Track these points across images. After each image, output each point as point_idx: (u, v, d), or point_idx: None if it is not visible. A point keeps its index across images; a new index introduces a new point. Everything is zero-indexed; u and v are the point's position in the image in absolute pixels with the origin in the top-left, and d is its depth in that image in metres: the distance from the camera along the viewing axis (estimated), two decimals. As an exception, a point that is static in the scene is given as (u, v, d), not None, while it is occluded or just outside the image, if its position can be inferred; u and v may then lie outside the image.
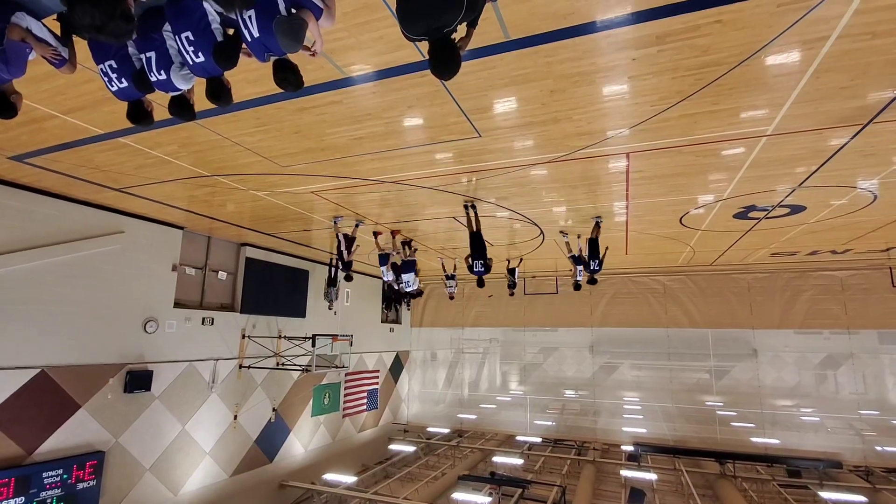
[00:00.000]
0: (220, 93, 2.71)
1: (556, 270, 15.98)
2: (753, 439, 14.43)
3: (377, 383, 17.08)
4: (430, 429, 17.86)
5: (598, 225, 9.07)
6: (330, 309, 14.06)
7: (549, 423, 16.99)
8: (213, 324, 10.72)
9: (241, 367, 11.31)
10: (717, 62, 4.03)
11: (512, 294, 13.88)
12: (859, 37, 3.66)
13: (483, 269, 8.48)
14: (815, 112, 4.88)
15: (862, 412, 13.89)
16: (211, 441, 10.48)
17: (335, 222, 9.44)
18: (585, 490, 11.57)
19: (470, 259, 8.52)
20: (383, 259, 10.29)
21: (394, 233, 10.21)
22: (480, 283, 9.75)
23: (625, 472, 12.53)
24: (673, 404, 15.60)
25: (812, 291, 14.28)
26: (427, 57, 2.38)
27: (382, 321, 18.07)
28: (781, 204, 8.05)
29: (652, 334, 16.00)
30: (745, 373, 15.06)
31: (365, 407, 16.18)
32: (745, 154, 6.01)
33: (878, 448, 13.47)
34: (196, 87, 2.85)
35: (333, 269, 13.98)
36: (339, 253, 9.66)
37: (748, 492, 11.99)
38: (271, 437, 12.16)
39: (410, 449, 15.39)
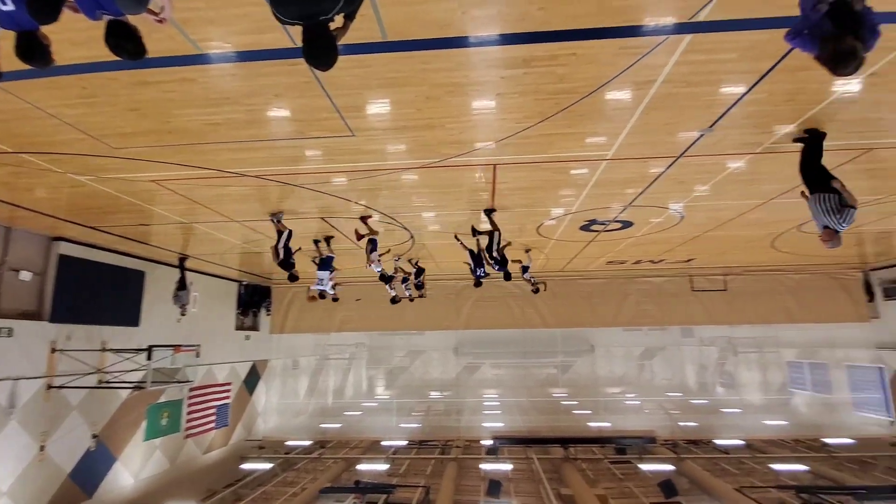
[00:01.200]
0: (33, 51, 2.14)
1: (426, 274, 16.31)
2: (590, 424, 16.50)
3: (228, 397, 15.50)
4: (289, 442, 16.77)
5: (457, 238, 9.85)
6: (183, 315, 12.37)
7: (415, 425, 17.25)
8: (10, 335, 8.62)
9: (50, 387, 9.28)
10: (571, 90, 4.50)
11: (421, 295, 13.51)
12: (678, 83, 4.40)
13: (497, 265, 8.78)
14: (644, 143, 5.75)
15: (669, 394, 16.88)
16: (8, 478, 8.40)
17: (278, 219, 8.32)
18: (448, 487, 11.96)
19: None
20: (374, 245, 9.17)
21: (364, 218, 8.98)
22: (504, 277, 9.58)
23: (484, 466, 13.28)
24: (527, 398, 17.06)
25: (636, 295, 16.86)
26: (300, 44, 2.20)
27: (237, 328, 16.49)
28: (616, 219, 9.35)
29: (510, 335, 17.30)
30: (584, 366, 17.19)
31: (213, 425, 14.55)
32: (590, 174, 6.83)
33: (682, 424, 16.48)
34: (2, 42, 2.23)
35: (183, 270, 12.32)
36: (277, 252, 8.36)
37: (586, 471, 13.60)
38: (91, 469, 10.19)
39: (266, 466, 14.26)
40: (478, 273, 10.01)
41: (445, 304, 17.32)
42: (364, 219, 8.89)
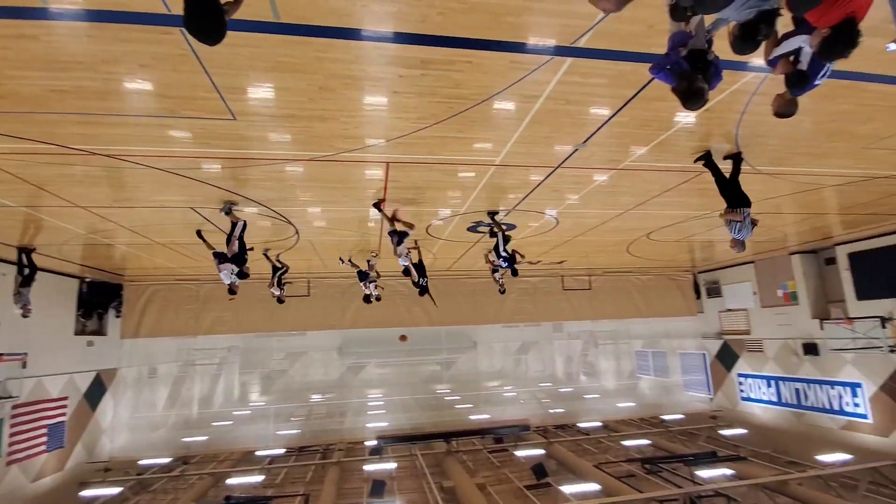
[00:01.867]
0: None
1: (310, 272, 15.62)
2: (472, 417, 17.27)
3: (64, 414, 13.18)
4: (142, 461, 14.79)
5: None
6: (25, 316, 10.11)
7: (294, 431, 16.40)
8: None
9: None
10: (465, 96, 4.66)
11: (377, 297, 12.55)
12: (559, 101, 4.82)
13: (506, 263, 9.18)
14: (528, 153, 6.18)
15: (541, 385, 18.41)
16: None
17: (229, 210, 7.58)
18: (329, 493, 11.58)
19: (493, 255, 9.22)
20: (400, 237, 8.23)
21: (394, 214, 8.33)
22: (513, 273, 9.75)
23: (367, 467, 13.12)
24: (411, 396, 17.26)
25: (515, 294, 18.03)
26: (178, 12, 1.97)
27: (77, 333, 14.06)
28: (501, 222, 9.90)
29: (397, 333, 17.34)
30: (467, 362, 17.95)
31: (44, 447, 12.25)
32: (479, 178, 7.15)
33: (551, 410, 18.08)
34: None
35: (26, 267, 10.07)
36: (234, 244, 7.61)
37: (467, 462, 14.20)
38: None
39: (113, 491, 12.39)
40: (421, 282, 10.10)
41: (330, 304, 16.76)
42: (394, 216, 8.26)
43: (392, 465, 13.29)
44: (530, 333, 18.67)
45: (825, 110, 5.35)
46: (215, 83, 4.22)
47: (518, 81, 4.43)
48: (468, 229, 10.37)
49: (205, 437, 16.09)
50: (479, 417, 17.28)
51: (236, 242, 7.64)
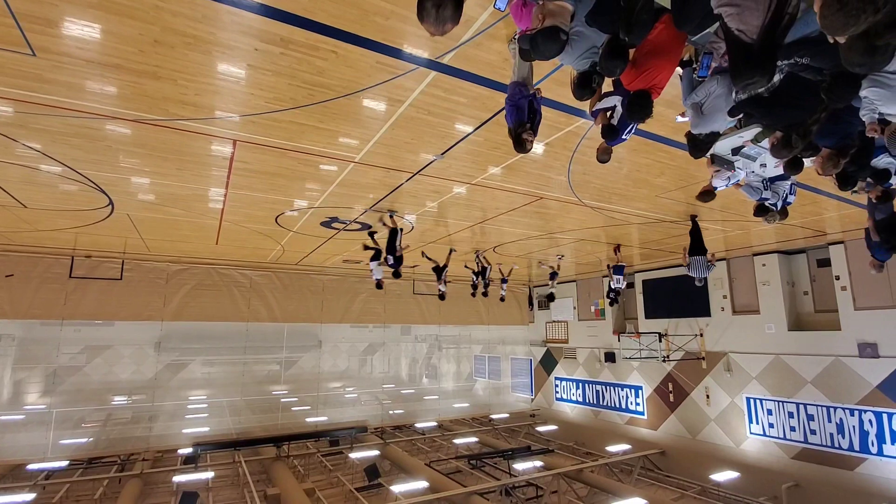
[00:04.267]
0: None
1: (125, 252, 13.37)
2: (308, 419, 16.53)
3: None
4: None
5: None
6: None
7: (85, 440, 13.74)
8: None
9: None
10: (328, 86, 4.49)
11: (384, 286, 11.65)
12: (421, 109, 4.94)
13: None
14: (389, 154, 6.21)
15: (385, 386, 18.52)
16: None
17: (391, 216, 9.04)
18: (126, 509, 9.98)
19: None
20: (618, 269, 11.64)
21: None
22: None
23: (178, 478, 11.61)
24: (241, 398, 15.84)
25: (366, 293, 17.92)
26: None
27: None
28: (356, 220, 9.77)
29: (231, 328, 15.79)
30: (309, 362, 17.16)
31: None
32: (337, 173, 6.94)
33: (391, 412, 18.27)
34: None
35: None
36: (391, 247, 9.29)
37: (297, 467, 13.54)
38: None
39: None
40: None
41: (149, 291, 14.56)
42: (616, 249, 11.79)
43: (209, 475, 11.99)
44: (378, 334, 18.71)
45: (632, 161, 6.46)
46: (10, 7, 3.37)
47: (383, 83, 4.43)
48: (322, 224, 10.00)
49: (-51, 450, 12.53)
50: (317, 420, 16.65)
51: (400, 248, 9.28)
